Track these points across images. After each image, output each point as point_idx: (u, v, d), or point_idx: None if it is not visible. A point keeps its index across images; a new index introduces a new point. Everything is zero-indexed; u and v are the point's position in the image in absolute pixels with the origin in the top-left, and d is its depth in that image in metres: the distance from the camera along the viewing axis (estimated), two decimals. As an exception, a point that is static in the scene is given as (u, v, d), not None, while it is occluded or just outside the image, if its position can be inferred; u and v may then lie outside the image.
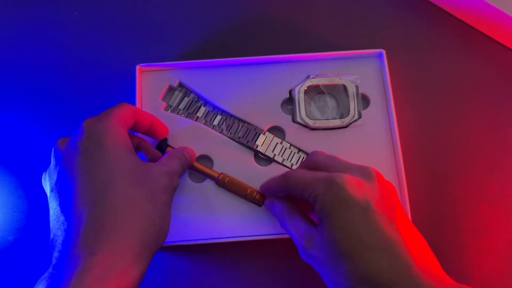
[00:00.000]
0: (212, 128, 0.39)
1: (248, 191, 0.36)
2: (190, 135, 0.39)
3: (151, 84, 0.40)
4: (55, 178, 0.30)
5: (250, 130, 0.39)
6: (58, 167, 0.30)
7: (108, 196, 0.28)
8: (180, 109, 0.40)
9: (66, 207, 0.28)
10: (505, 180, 0.39)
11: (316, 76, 0.40)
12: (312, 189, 0.29)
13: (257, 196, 0.36)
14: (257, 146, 0.38)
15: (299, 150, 0.39)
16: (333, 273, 0.28)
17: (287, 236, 0.36)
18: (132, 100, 0.40)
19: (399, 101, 0.40)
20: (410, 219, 0.36)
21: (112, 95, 0.42)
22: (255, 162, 0.39)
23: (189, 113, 0.40)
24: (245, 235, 0.36)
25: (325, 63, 0.41)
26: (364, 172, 0.30)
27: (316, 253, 0.29)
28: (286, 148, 0.39)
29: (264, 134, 0.39)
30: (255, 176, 0.37)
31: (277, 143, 0.39)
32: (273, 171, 0.38)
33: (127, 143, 0.31)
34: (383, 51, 0.40)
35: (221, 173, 0.37)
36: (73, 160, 0.29)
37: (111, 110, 0.32)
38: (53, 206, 0.29)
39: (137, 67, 0.40)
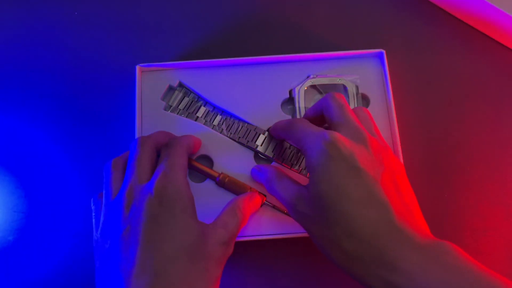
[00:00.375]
0: (212, 128, 0.39)
1: (248, 191, 0.36)
2: (190, 135, 0.39)
3: (151, 84, 0.40)
4: (117, 237, 0.29)
5: (250, 130, 0.39)
6: (122, 229, 0.29)
7: (170, 270, 0.28)
8: (180, 109, 0.40)
9: (123, 271, 0.28)
10: (505, 180, 0.39)
11: (316, 76, 0.40)
12: (304, 142, 0.31)
13: (257, 196, 0.36)
14: (257, 146, 0.38)
15: (299, 150, 0.39)
16: (320, 228, 0.29)
17: (287, 236, 0.36)
18: (132, 100, 0.40)
19: (399, 101, 0.40)
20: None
21: (112, 95, 0.42)
22: (255, 162, 0.39)
23: (189, 113, 0.40)
24: (245, 235, 0.36)
25: (325, 63, 0.41)
26: (357, 134, 0.30)
27: (305, 210, 0.30)
28: (286, 148, 0.39)
29: (264, 134, 0.39)
30: (255, 176, 0.37)
31: (277, 143, 0.39)
32: (273, 171, 0.38)
33: (193, 205, 0.31)
34: (383, 51, 0.40)
35: (221, 173, 0.37)
36: (140, 225, 0.29)
37: (173, 156, 0.32)
38: (106, 266, 0.29)
39: (137, 67, 0.40)
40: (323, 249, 0.30)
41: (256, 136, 0.39)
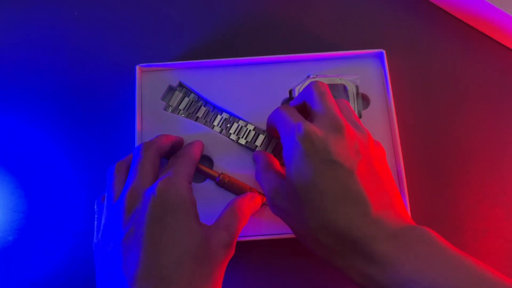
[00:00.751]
0: (212, 129, 0.39)
1: (249, 191, 0.36)
2: (190, 135, 0.39)
3: (151, 84, 0.40)
4: (118, 240, 0.29)
5: (250, 130, 0.39)
6: (124, 231, 0.29)
7: (176, 275, 0.27)
8: (180, 109, 0.40)
9: (126, 274, 0.28)
10: (505, 180, 0.39)
11: (316, 76, 0.40)
12: (281, 133, 0.31)
13: (257, 196, 0.36)
14: (256, 146, 0.38)
15: None
16: (296, 222, 0.29)
17: (287, 236, 0.36)
18: (132, 100, 0.40)
19: (399, 101, 0.40)
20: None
21: (112, 95, 0.42)
22: (255, 162, 0.39)
23: (189, 113, 0.40)
24: (245, 235, 0.36)
25: (325, 63, 0.41)
26: (333, 124, 0.30)
27: (282, 204, 0.30)
28: None
29: (263, 134, 0.39)
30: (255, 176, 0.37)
31: (277, 143, 0.39)
32: (273, 171, 0.38)
33: (196, 209, 0.31)
34: (383, 51, 0.40)
35: (221, 173, 0.37)
36: (143, 228, 0.29)
37: (179, 165, 0.33)
38: (108, 269, 0.29)
39: (137, 67, 0.40)
40: (304, 242, 0.30)
41: (256, 136, 0.39)
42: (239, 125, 0.39)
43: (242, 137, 0.39)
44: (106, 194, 0.33)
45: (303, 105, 0.34)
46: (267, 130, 0.37)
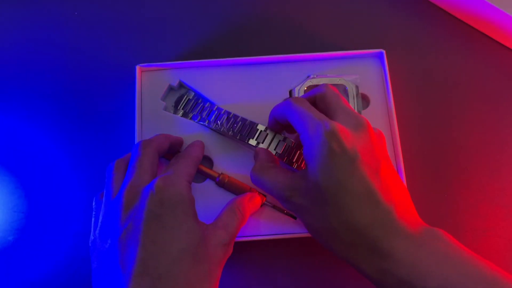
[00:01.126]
0: (214, 127, 0.39)
1: (248, 191, 0.36)
2: (190, 135, 0.39)
3: (151, 84, 0.40)
4: (116, 237, 0.29)
5: (252, 127, 0.38)
6: (122, 228, 0.29)
7: (174, 272, 0.28)
8: (180, 109, 0.40)
9: (123, 270, 0.28)
10: (505, 180, 0.39)
11: (316, 76, 0.40)
12: (304, 128, 0.30)
13: (257, 197, 0.36)
14: (258, 143, 0.37)
15: (300, 147, 0.39)
16: (318, 220, 0.29)
17: (286, 236, 0.36)
18: (132, 100, 0.40)
19: (399, 101, 0.40)
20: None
21: (112, 95, 0.42)
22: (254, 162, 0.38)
23: (189, 113, 0.40)
24: (244, 235, 0.36)
25: (325, 63, 0.41)
26: (356, 122, 0.30)
27: (301, 201, 0.30)
28: (289, 146, 0.37)
29: (265, 131, 0.37)
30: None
31: (279, 140, 0.38)
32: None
33: (194, 207, 0.31)
34: (383, 51, 0.40)
35: (221, 173, 0.37)
36: (141, 224, 0.29)
37: (180, 164, 0.33)
38: (105, 265, 0.29)
39: (137, 67, 0.40)
40: (320, 239, 0.30)
41: (257, 133, 0.38)
42: (239, 122, 0.38)
43: (243, 135, 0.38)
44: (104, 191, 0.33)
45: (313, 102, 0.33)
46: (270, 123, 0.36)
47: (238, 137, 0.37)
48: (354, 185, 0.28)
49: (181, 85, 0.41)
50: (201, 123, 0.39)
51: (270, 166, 0.33)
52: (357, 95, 0.39)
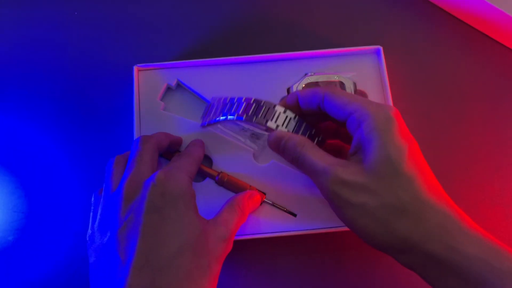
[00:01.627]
0: (213, 126, 0.39)
1: (248, 189, 0.36)
2: (189, 134, 0.39)
3: (149, 84, 0.40)
4: (116, 229, 0.29)
5: (270, 107, 0.32)
6: (122, 220, 0.29)
7: (174, 266, 0.27)
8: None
9: (123, 263, 0.28)
10: (505, 180, 0.39)
11: (314, 73, 0.40)
12: (364, 109, 0.29)
13: (256, 196, 0.36)
14: (277, 126, 0.32)
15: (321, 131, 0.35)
16: (378, 197, 0.27)
17: (286, 234, 0.36)
18: (130, 100, 0.40)
19: (397, 99, 0.40)
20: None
21: (111, 95, 0.42)
22: (254, 162, 0.39)
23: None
24: (244, 233, 0.36)
25: (323, 60, 0.41)
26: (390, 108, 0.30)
27: (353, 178, 0.28)
28: (313, 132, 0.34)
29: (284, 113, 0.32)
30: (255, 175, 0.38)
31: (290, 118, 0.32)
32: (273, 171, 0.38)
33: (195, 202, 0.31)
34: (380, 48, 0.40)
35: (221, 172, 0.37)
36: (141, 216, 0.29)
37: (181, 161, 0.33)
38: (103, 259, 0.29)
39: (135, 67, 0.40)
40: (372, 222, 0.27)
41: (274, 114, 0.32)
42: (254, 104, 0.33)
43: (258, 117, 0.32)
44: (104, 186, 0.33)
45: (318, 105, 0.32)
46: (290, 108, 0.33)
47: (253, 120, 0.32)
48: (414, 155, 0.28)
49: (179, 84, 0.41)
50: (200, 122, 0.39)
51: (314, 145, 0.31)
52: (354, 92, 0.39)
